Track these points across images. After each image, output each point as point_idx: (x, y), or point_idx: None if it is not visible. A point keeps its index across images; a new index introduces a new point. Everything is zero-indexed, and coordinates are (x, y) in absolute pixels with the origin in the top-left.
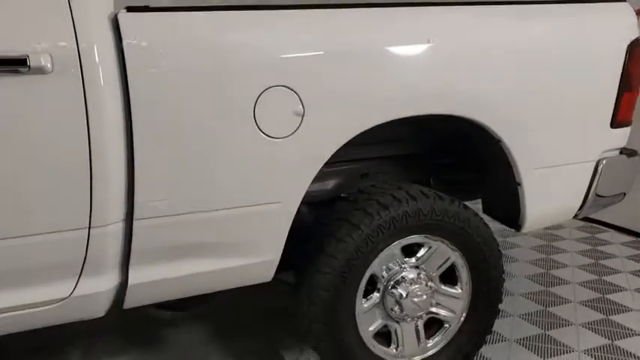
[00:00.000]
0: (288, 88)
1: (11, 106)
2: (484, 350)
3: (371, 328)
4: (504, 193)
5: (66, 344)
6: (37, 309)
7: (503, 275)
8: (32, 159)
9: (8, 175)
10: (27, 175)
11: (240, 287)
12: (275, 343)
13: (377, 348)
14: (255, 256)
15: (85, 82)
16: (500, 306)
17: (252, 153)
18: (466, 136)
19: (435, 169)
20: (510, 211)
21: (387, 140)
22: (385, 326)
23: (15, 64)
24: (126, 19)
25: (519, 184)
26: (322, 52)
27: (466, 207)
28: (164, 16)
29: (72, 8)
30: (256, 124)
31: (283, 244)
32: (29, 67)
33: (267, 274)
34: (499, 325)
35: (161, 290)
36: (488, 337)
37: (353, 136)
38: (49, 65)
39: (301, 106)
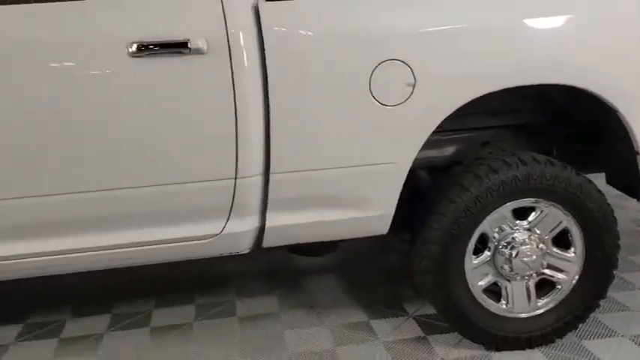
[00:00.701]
0: (402, 61)
1: (176, 80)
2: (593, 345)
3: (480, 283)
4: (625, 163)
5: (222, 284)
6: (196, 242)
7: (619, 241)
8: (191, 124)
9: (176, 136)
10: (188, 135)
11: (369, 248)
12: (398, 296)
13: (487, 302)
14: (372, 209)
15: (232, 61)
16: (617, 298)
17: (368, 119)
18: (584, 106)
19: (558, 140)
20: (632, 181)
21: (508, 110)
22: (496, 284)
23: (178, 47)
24: (264, 7)
25: (638, 154)
26: (435, 29)
27: (578, 173)
28: (297, 2)
29: (224, 3)
30: (371, 93)
31: (397, 200)
32: (190, 49)
33: (382, 227)
34: (612, 319)
35: (292, 234)
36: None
37: (461, 105)
38: (205, 47)
39: (413, 77)
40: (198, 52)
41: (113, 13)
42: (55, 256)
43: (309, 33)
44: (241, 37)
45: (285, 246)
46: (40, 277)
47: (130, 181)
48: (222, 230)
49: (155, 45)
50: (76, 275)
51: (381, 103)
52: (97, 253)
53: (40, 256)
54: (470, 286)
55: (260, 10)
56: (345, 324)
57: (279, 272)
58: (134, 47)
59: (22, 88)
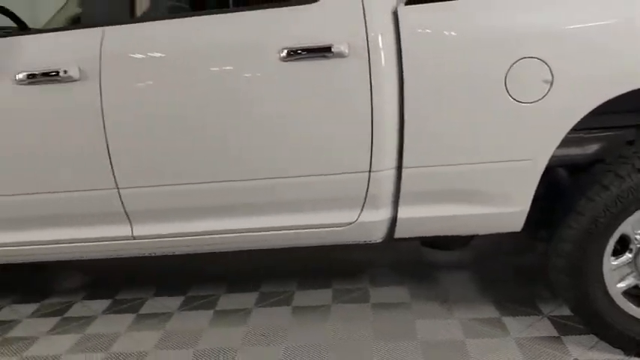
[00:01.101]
0: (539, 59)
1: (320, 81)
2: None
3: (620, 285)
4: None
5: (358, 273)
6: (333, 229)
7: None
8: (332, 121)
9: (318, 131)
10: (328, 131)
11: (504, 245)
12: (533, 295)
13: (626, 305)
14: (505, 206)
15: (371, 63)
16: None
17: (504, 116)
18: None
19: None
20: None
21: None
22: (637, 287)
23: (323, 51)
24: (403, 12)
25: None
26: (574, 26)
27: None
28: (434, 6)
29: (364, 7)
30: (507, 90)
31: (531, 197)
32: (332, 52)
33: (516, 224)
34: None
35: (423, 226)
36: None
37: (600, 103)
38: (346, 51)
39: (550, 75)
40: (340, 55)
41: (266, 23)
42: (211, 236)
43: (445, 34)
44: (380, 40)
45: (417, 239)
46: (200, 255)
47: (279, 172)
48: (357, 219)
49: (302, 50)
50: (227, 256)
51: (517, 101)
52: (246, 234)
53: (201, 235)
54: (607, 287)
55: (399, 13)
56: (476, 318)
57: (413, 264)
58: (284, 53)
59: (189, 90)
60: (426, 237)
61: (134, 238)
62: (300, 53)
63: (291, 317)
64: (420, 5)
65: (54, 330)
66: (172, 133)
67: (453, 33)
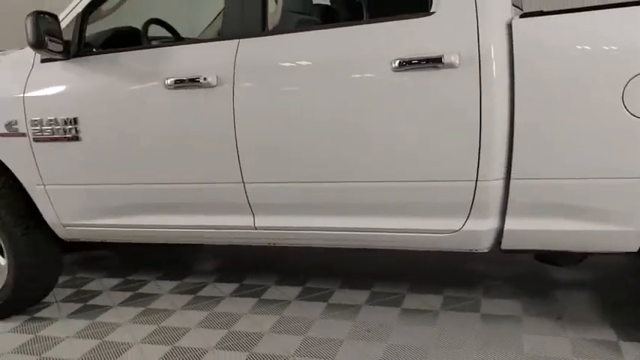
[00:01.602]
0: None
1: (431, 91)
2: None
3: None
4: None
5: (471, 282)
6: (437, 235)
7: None
8: (440, 129)
9: (426, 139)
10: (436, 139)
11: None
12: None
13: None
14: (619, 224)
15: (482, 74)
16: None
17: (620, 131)
18: None
19: None
20: None
21: None
22: None
23: (434, 62)
24: (518, 24)
25: None
26: None
27: None
28: (550, 19)
29: (479, 19)
30: (624, 104)
31: None
32: (443, 63)
33: (632, 244)
34: None
35: (532, 239)
36: None
37: None
38: (457, 62)
39: None
40: (450, 66)
41: (381, 35)
42: (324, 232)
43: (561, 47)
44: (492, 51)
45: (526, 252)
46: (319, 250)
47: (388, 176)
48: (462, 227)
49: (414, 61)
50: (343, 253)
51: (636, 116)
52: (356, 233)
53: (316, 230)
54: None
55: (513, 26)
56: (590, 339)
57: (530, 279)
58: (396, 63)
59: (310, 97)
60: (535, 251)
61: (256, 228)
62: (411, 64)
63: (398, 318)
64: (537, 18)
65: (188, 306)
66: (293, 135)
67: (569, 46)
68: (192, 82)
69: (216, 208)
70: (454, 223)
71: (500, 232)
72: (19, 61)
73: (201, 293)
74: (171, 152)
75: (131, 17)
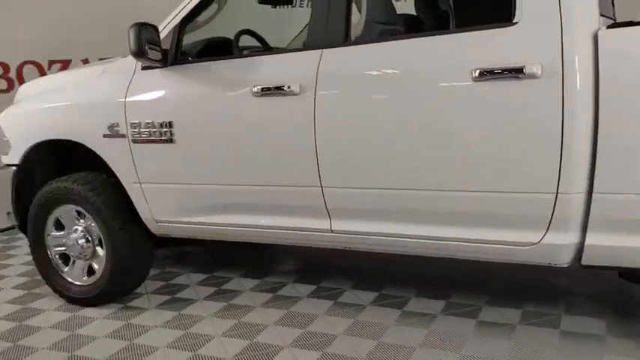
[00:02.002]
0: None
1: (511, 101)
2: None
3: None
4: None
5: (553, 298)
6: (515, 247)
7: None
8: (520, 139)
9: (509, 149)
10: (516, 148)
11: None
12: None
13: None
14: None
15: (565, 85)
16: None
17: None
18: None
19: None
20: None
21: None
22: None
23: (516, 72)
24: (604, 35)
25: None
26: None
27: None
28: (637, 29)
29: (563, 30)
30: None
31: None
32: (524, 73)
33: None
34: None
35: (614, 256)
36: None
37: None
38: (539, 72)
39: None
40: (532, 76)
41: (462, 45)
42: (400, 239)
43: None
44: (576, 62)
45: (609, 268)
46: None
47: (465, 185)
48: (541, 240)
49: (494, 71)
50: (421, 261)
51: None
52: (431, 241)
53: (391, 237)
54: None
55: (599, 37)
56: None
57: (612, 297)
58: (477, 73)
59: (389, 106)
60: (617, 268)
61: (332, 231)
62: (492, 73)
63: (474, 329)
64: (625, 29)
65: (267, 303)
66: (372, 143)
67: None
68: (278, 90)
69: (295, 210)
70: (533, 236)
71: (580, 247)
72: (122, 68)
73: (280, 292)
74: (255, 156)
75: (225, 28)
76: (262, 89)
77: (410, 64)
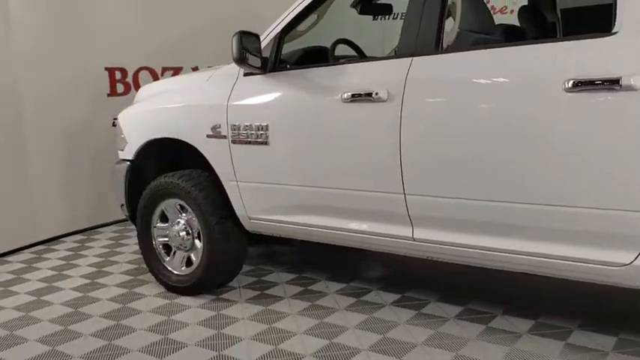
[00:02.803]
0: None
1: (605, 113)
2: None
3: None
4: None
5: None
6: (604, 267)
7: None
8: (615, 153)
9: (602, 164)
10: (613, 164)
11: None
12: None
13: None
14: None
15: None
16: None
17: None
18: None
19: None
20: None
21: None
22: None
23: (612, 83)
24: None
25: None
26: None
27: None
28: None
29: None
30: None
31: None
32: (621, 85)
33: None
34: None
35: None
36: None
37: None
38: (637, 85)
39: None
40: (629, 88)
41: (555, 54)
42: (486, 252)
43: None
44: None
45: None
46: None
47: (555, 199)
48: (634, 261)
49: (588, 82)
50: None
51: None
52: (518, 256)
53: (476, 249)
54: None
55: None
56: None
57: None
58: (570, 83)
59: (477, 115)
60: None
61: (414, 240)
62: (585, 84)
63: (560, 352)
64: None
65: (350, 307)
66: (458, 152)
67: None
68: (367, 96)
69: (378, 216)
70: (625, 257)
71: None
72: (227, 74)
73: (364, 298)
74: (341, 160)
75: (328, 37)
76: (353, 95)
77: (500, 74)
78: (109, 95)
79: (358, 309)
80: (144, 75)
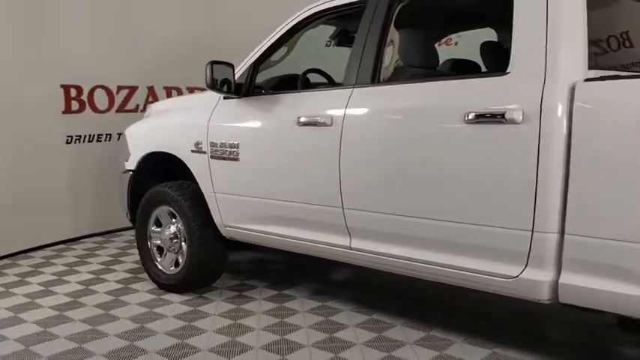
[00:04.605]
0: None
1: (495, 146)
2: None
3: None
4: None
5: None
6: (494, 278)
7: None
8: (499, 179)
9: (490, 188)
10: (498, 188)
11: None
12: None
13: None
14: None
15: (541, 130)
16: None
17: None
18: None
19: None
20: None
21: None
22: None
23: (498, 117)
24: (581, 87)
25: None
26: None
27: None
28: (614, 84)
29: (546, 79)
30: None
31: None
32: (505, 119)
33: None
34: None
35: (586, 297)
36: None
37: None
38: (519, 118)
39: None
40: (512, 122)
41: (457, 90)
42: (407, 262)
43: (620, 111)
44: (559, 108)
45: (588, 310)
46: None
47: (459, 216)
48: (519, 275)
49: (482, 115)
50: None
51: None
52: (429, 266)
53: (400, 259)
54: None
55: (576, 89)
56: None
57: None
58: (470, 116)
59: (397, 142)
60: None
61: (351, 249)
62: (479, 117)
63: None
64: (597, 82)
65: (369, 342)
66: (382, 172)
67: (622, 112)
68: (315, 121)
69: (322, 227)
70: (513, 270)
71: (556, 285)
72: (210, 97)
73: (385, 334)
74: (292, 176)
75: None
76: (304, 119)
77: (414, 104)
78: (63, 112)
79: (379, 345)
80: (99, 93)
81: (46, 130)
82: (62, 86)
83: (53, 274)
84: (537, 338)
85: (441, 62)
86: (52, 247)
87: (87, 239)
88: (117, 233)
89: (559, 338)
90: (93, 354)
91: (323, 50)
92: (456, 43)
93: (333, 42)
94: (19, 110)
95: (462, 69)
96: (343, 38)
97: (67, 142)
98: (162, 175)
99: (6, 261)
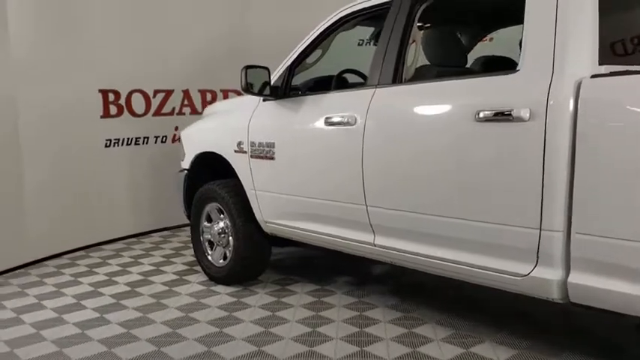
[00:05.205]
0: None
1: (504, 144)
2: None
3: None
4: None
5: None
6: (507, 276)
7: None
8: (506, 176)
9: (499, 185)
10: (506, 184)
11: None
12: None
13: None
14: None
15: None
16: None
17: None
18: None
19: None
20: None
21: None
22: None
23: (506, 115)
24: (586, 83)
25: None
26: None
27: None
28: (620, 80)
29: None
30: None
31: None
32: (512, 117)
33: None
34: None
35: (595, 297)
36: None
37: None
38: (526, 115)
39: None
40: (519, 119)
41: (468, 89)
42: (427, 259)
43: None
44: (568, 105)
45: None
46: None
47: (472, 214)
48: (530, 273)
49: (491, 113)
50: None
51: None
52: (449, 264)
53: (421, 257)
54: None
55: (582, 85)
56: None
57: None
58: (480, 115)
59: (413, 140)
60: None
61: (375, 245)
62: (488, 116)
63: None
64: (603, 78)
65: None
66: (402, 171)
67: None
68: (340, 120)
69: (349, 224)
70: (524, 268)
71: (565, 283)
72: (252, 100)
73: (415, 330)
74: (319, 173)
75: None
76: (330, 119)
77: (432, 103)
78: (102, 117)
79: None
80: (136, 97)
81: (86, 133)
82: (100, 91)
83: (119, 264)
84: (569, 340)
85: (473, 60)
86: (124, 240)
87: (154, 233)
88: (183, 228)
89: (590, 341)
90: (138, 339)
91: (355, 50)
92: (491, 39)
93: (367, 41)
94: (62, 115)
95: (494, 66)
96: None
97: (106, 146)
98: (216, 174)
99: (81, 252)
